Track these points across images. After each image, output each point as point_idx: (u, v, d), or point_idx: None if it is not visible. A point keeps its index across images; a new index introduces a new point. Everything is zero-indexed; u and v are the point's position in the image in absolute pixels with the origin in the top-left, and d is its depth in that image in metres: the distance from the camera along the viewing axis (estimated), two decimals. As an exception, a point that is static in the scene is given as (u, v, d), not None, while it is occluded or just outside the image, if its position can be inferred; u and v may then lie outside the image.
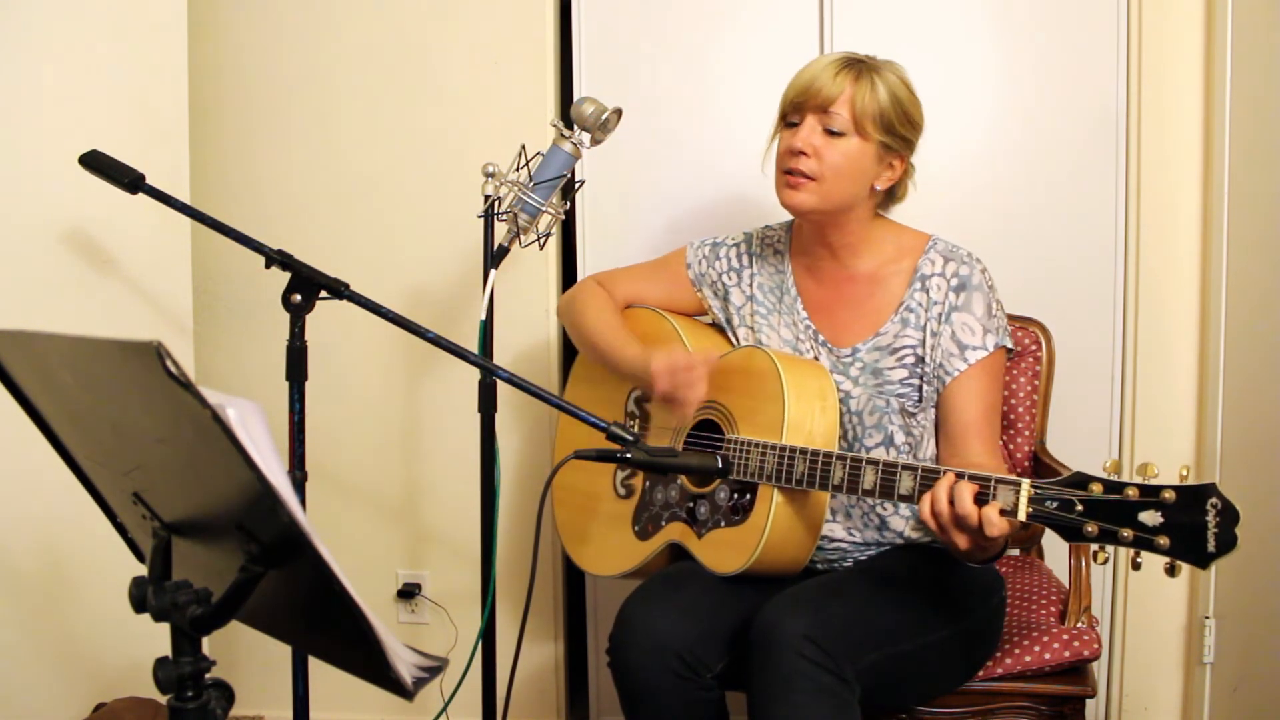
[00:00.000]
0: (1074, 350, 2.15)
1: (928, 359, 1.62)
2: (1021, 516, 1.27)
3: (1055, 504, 1.24)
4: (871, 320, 1.67)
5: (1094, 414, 2.27)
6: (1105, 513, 1.20)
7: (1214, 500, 1.15)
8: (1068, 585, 1.76)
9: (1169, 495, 1.17)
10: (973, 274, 1.63)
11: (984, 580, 1.65)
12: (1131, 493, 1.19)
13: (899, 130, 1.61)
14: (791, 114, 1.63)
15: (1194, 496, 1.16)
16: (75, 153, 1.80)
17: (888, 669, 1.49)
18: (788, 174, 1.62)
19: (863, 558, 1.69)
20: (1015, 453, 1.98)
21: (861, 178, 1.62)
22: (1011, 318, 1.99)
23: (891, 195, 1.70)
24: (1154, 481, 1.19)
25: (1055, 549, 2.00)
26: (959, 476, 1.33)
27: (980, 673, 1.65)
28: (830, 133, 1.59)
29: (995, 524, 1.28)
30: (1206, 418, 2.21)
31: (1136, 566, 1.22)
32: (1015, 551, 2.06)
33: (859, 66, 1.60)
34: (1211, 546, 1.15)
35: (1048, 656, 1.66)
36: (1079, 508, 1.22)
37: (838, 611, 1.48)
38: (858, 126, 1.59)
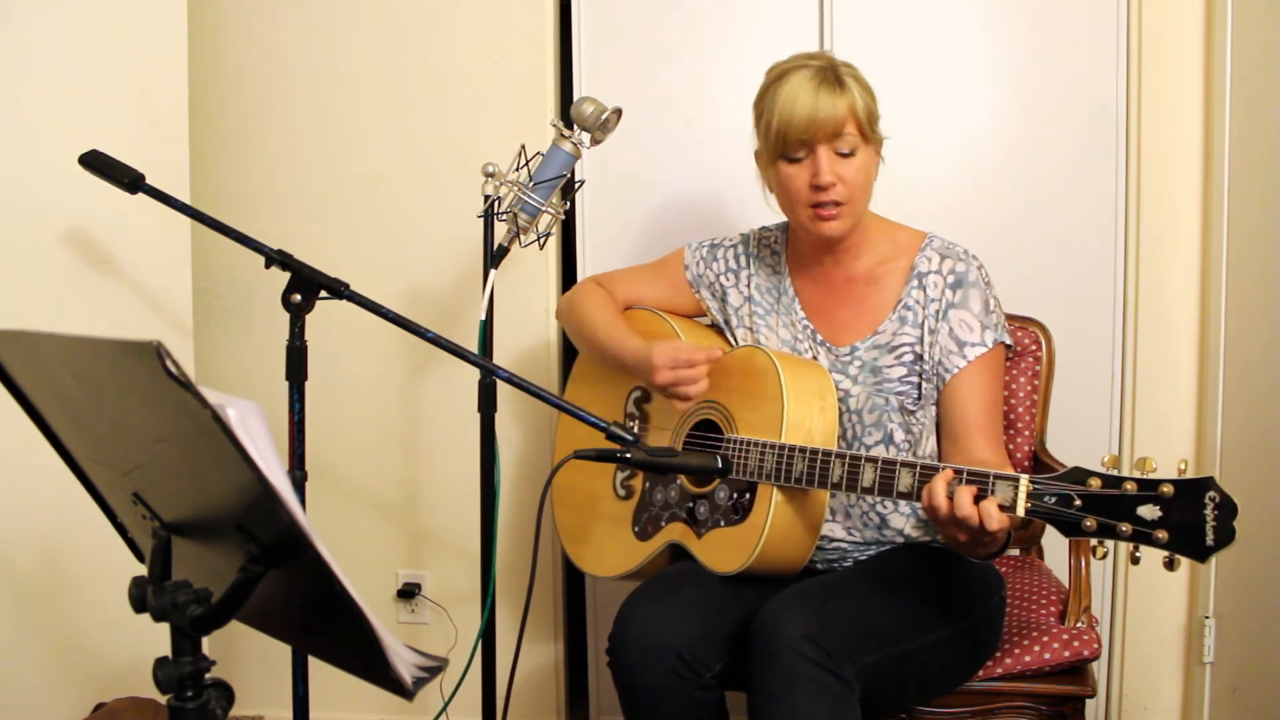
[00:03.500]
0: (1074, 350, 2.15)
1: (926, 356, 1.62)
2: (1020, 512, 1.27)
3: (1054, 499, 1.24)
4: (870, 319, 1.67)
5: (1094, 414, 2.27)
6: (1104, 507, 1.21)
7: (1212, 494, 1.15)
8: (1068, 585, 1.76)
9: (1167, 489, 1.17)
10: (969, 271, 1.63)
11: (984, 580, 1.65)
12: (1130, 487, 1.19)
13: (878, 116, 1.61)
14: (795, 150, 1.57)
15: (1192, 490, 1.16)
16: (75, 153, 1.80)
17: (887, 669, 1.49)
18: (817, 207, 1.59)
19: (863, 557, 1.69)
20: (1015, 453, 1.98)
21: (873, 181, 1.63)
22: (1011, 318, 1.99)
23: None
24: (1152, 476, 1.19)
25: (1055, 549, 2.00)
26: (957, 474, 1.33)
27: (980, 672, 1.65)
28: (841, 152, 1.57)
29: (994, 517, 1.28)
30: (1206, 417, 2.21)
31: (1135, 561, 1.22)
32: (1015, 551, 2.06)
33: (833, 76, 1.56)
34: (1210, 540, 1.15)
35: (1048, 656, 1.66)
36: (1077, 503, 1.22)
37: (837, 611, 1.48)
38: (865, 135, 1.58)
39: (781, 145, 1.58)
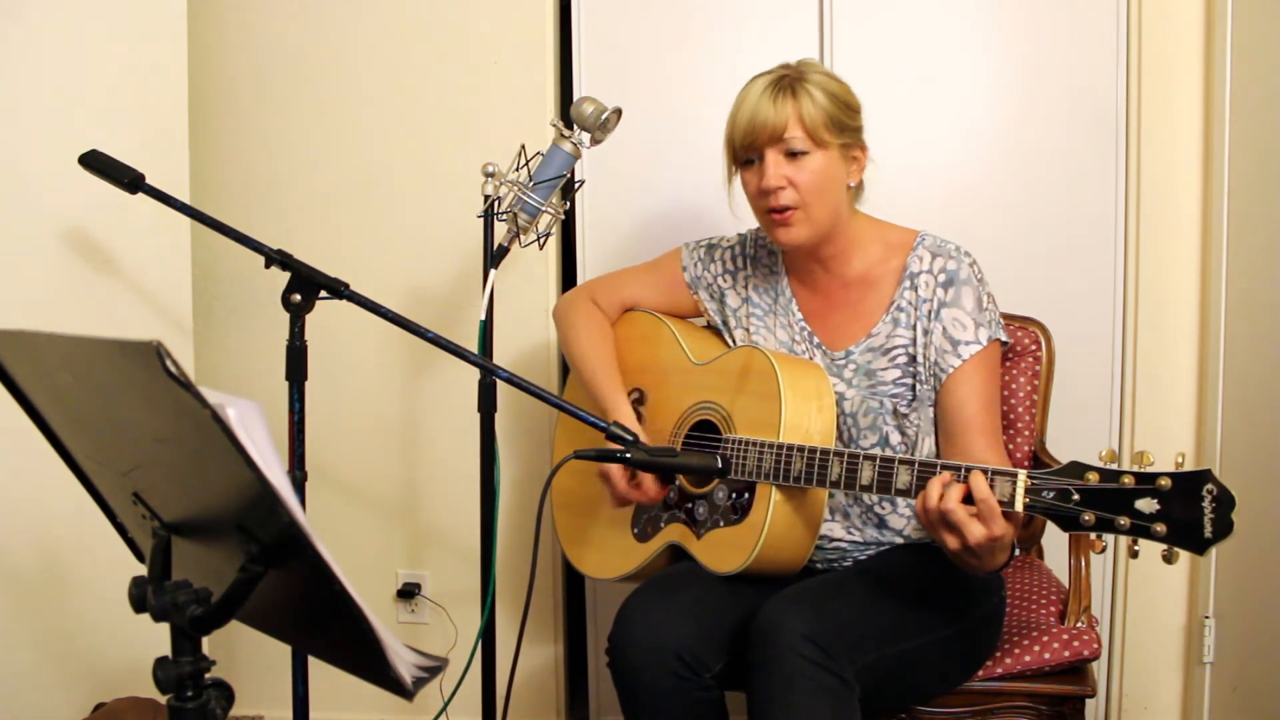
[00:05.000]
0: (1074, 350, 2.15)
1: (920, 357, 1.62)
2: (1018, 507, 1.28)
3: (1052, 494, 1.25)
4: (864, 322, 1.67)
5: (1094, 414, 2.27)
6: (1102, 501, 1.21)
7: (1210, 486, 1.16)
8: (1067, 585, 1.76)
9: (1165, 482, 1.18)
10: (960, 268, 1.62)
11: (984, 580, 1.64)
12: (1128, 481, 1.20)
13: (849, 124, 1.61)
14: (746, 154, 1.61)
15: (1190, 483, 1.17)
16: (75, 153, 1.80)
17: (887, 668, 1.49)
18: (771, 213, 1.61)
19: (862, 557, 1.69)
20: (1015, 453, 1.97)
21: (837, 186, 1.61)
22: (1011, 317, 2.00)
23: (860, 185, 1.69)
24: (1150, 469, 1.19)
25: (1055, 549, 2.00)
26: (954, 472, 1.33)
27: (980, 672, 1.65)
28: (792, 155, 1.58)
29: (981, 488, 1.29)
30: (1207, 417, 2.21)
31: (1134, 554, 1.22)
32: (1015, 551, 2.06)
33: (789, 82, 1.58)
34: (1208, 532, 1.16)
35: (1047, 656, 1.66)
36: (1075, 497, 1.23)
37: (837, 611, 1.48)
38: (815, 140, 1.57)
39: (732, 150, 1.64)
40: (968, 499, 1.31)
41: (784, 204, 1.59)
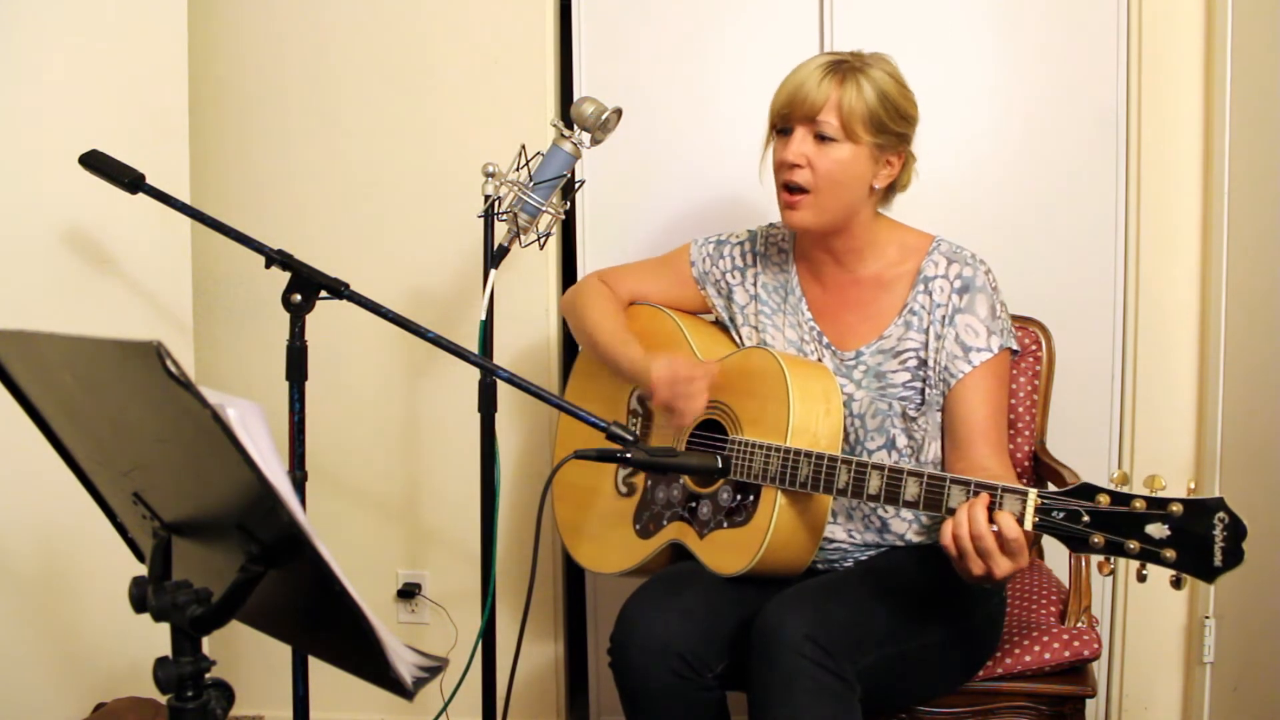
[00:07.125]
0: (1074, 350, 2.15)
1: (931, 362, 1.62)
2: (1028, 526, 1.26)
3: (1061, 515, 1.24)
4: (875, 323, 1.67)
5: (1094, 414, 2.27)
6: (1112, 524, 1.20)
7: (1221, 514, 1.14)
8: (1068, 585, 1.76)
9: (1176, 508, 1.16)
10: (976, 275, 1.62)
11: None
12: (1139, 505, 1.18)
13: (891, 128, 1.59)
14: (781, 123, 1.62)
15: (1201, 510, 1.15)
16: (75, 153, 1.80)
17: (888, 669, 1.49)
18: (786, 190, 1.61)
19: (863, 557, 1.69)
20: (1015, 452, 1.98)
21: (857, 182, 1.60)
22: (1012, 318, 1.99)
23: (892, 188, 1.68)
24: (1161, 494, 1.18)
25: (1055, 549, 2.00)
26: (965, 488, 1.33)
27: (980, 672, 1.65)
28: (821, 139, 1.58)
29: (1011, 528, 1.27)
30: (1206, 417, 2.21)
31: (1142, 579, 1.21)
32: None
33: (844, 68, 1.57)
34: (1218, 560, 1.15)
35: (1048, 656, 1.66)
36: (1085, 519, 1.22)
37: (839, 611, 1.48)
38: (847, 131, 1.57)
39: (771, 114, 1.64)
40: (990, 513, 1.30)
41: (796, 182, 1.59)
